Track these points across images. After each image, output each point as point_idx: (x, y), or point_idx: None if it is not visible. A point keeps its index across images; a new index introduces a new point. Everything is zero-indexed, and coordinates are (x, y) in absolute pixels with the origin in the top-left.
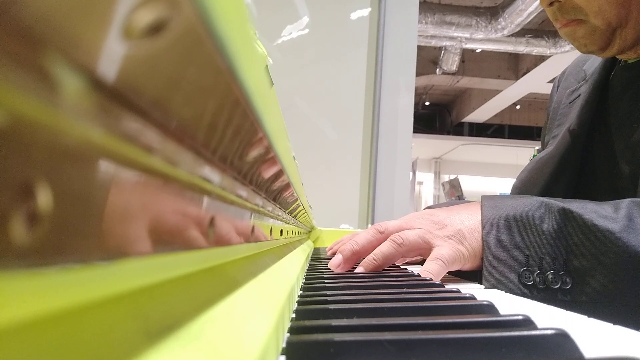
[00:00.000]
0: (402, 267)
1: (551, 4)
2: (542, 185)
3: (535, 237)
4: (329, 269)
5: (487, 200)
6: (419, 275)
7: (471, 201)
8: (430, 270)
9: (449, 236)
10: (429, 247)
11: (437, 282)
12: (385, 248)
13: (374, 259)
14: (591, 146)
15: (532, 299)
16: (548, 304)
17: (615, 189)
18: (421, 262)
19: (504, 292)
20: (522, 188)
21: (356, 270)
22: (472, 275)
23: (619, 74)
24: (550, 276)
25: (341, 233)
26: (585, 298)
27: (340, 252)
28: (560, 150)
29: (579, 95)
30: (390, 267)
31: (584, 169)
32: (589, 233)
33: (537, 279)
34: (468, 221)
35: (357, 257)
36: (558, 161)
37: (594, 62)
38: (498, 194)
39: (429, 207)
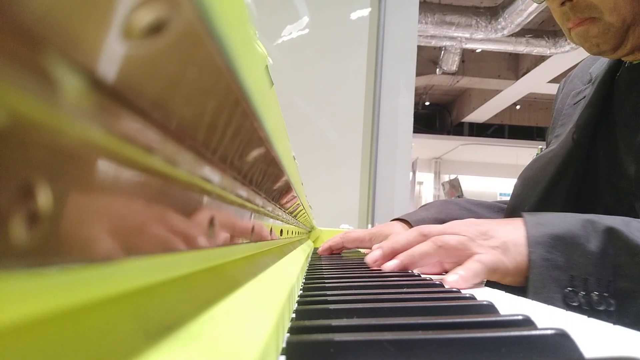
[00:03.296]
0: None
1: (563, 3)
2: (546, 183)
3: (581, 257)
4: (329, 269)
5: (530, 217)
6: (419, 275)
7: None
8: (470, 267)
9: (493, 247)
10: (470, 254)
11: (437, 282)
12: (425, 247)
13: (412, 254)
14: (595, 145)
15: None
16: None
17: (618, 188)
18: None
19: (504, 292)
20: (525, 186)
21: (392, 262)
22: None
23: (625, 74)
24: (595, 297)
25: None
26: (629, 320)
27: (380, 248)
28: (564, 149)
29: (584, 97)
30: None
31: (588, 168)
32: (635, 254)
33: (582, 300)
34: (513, 234)
35: (395, 255)
36: (562, 160)
37: (600, 66)
38: (540, 213)
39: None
